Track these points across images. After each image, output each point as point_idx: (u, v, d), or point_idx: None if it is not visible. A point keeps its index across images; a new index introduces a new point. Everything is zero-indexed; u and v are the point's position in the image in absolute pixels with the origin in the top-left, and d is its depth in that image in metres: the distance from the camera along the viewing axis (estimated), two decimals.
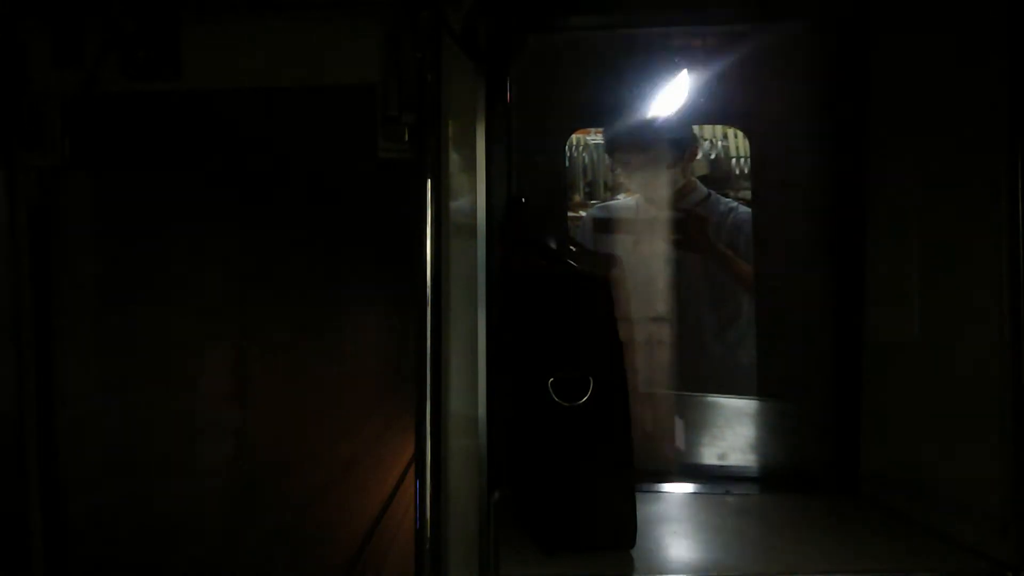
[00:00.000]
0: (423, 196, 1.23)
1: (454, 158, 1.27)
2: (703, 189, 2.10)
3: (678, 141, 2.05)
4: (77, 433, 1.56)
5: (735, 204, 2.08)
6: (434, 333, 1.24)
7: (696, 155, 2.16)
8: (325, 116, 1.53)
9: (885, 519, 1.43)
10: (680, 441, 1.76)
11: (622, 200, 2.23)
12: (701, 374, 1.94)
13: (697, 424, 1.76)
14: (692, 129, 2.11)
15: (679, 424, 1.78)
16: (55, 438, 1.42)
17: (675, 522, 1.44)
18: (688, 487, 1.64)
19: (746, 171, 2.22)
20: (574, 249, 2.03)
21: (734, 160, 2.53)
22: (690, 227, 2.00)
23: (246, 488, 1.93)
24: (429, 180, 1.23)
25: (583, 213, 2.25)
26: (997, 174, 1.17)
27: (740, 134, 2.14)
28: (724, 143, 2.60)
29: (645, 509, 1.24)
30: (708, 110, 1.95)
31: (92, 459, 1.66)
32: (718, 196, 2.09)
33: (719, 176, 2.51)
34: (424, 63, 1.23)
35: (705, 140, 2.51)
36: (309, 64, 1.34)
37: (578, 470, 1.22)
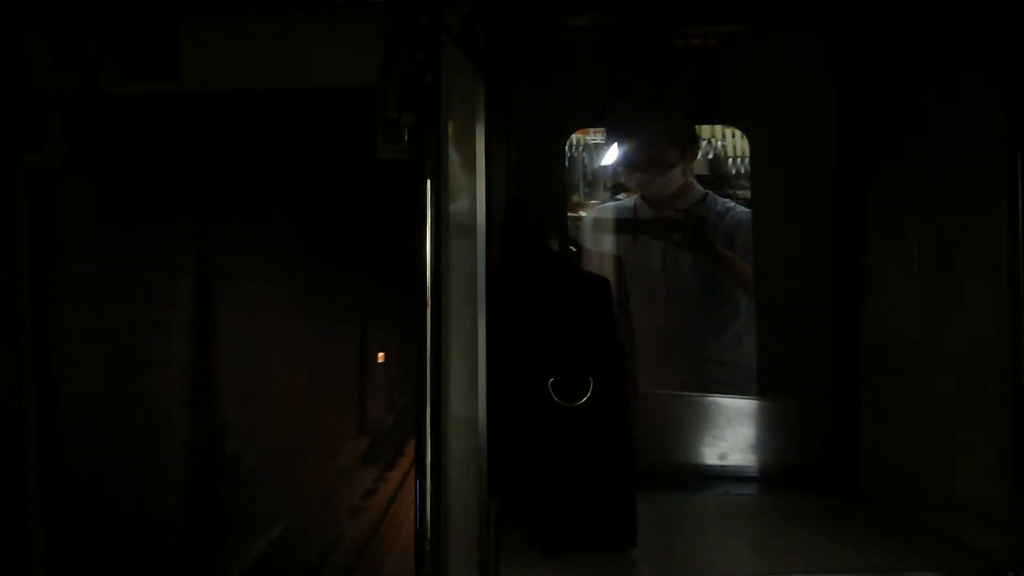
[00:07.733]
0: (423, 196, 1.23)
1: (454, 158, 1.27)
2: (700, 189, 2.09)
3: (678, 141, 2.05)
4: None
5: (732, 204, 2.07)
6: (434, 333, 1.24)
7: (696, 155, 2.16)
8: (325, 117, 1.53)
9: (885, 519, 1.43)
10: (679, 442, 1.76)
11: (621, 201, 2.22)
12: (700, 374, 1.94)
13: (697, 425, 1.76)
14: (693, 129, 2.11)
15: (678, 425, 1.78)
16: (55, 438, 1.41)
17: (675, 522, 1.44)
18: (688, 487, 1.64)
19: (743, 171, 2.22)
20: (574, 249, 2.03)
21: (731, 160, 2.53)
22: (688, 227, 2.00)
23: None
24: (429, 180, 1.23)
25: (583, 213, 2.25)
26: (997, 172, 1.17)
27: (740, 134, 2.14)
28: (723, 143, 2.59)
29: (645, 509, 1.24)
30: (708, 110, 1.95)
31: None
32: (715, 196, 2.08)
33: (718, 176, 2.51)
34: (423, 64, 1.23)
35: (704, 140, 2.51)
36: (309, 65, 1.33)
37: (578, 470, 1.22)
